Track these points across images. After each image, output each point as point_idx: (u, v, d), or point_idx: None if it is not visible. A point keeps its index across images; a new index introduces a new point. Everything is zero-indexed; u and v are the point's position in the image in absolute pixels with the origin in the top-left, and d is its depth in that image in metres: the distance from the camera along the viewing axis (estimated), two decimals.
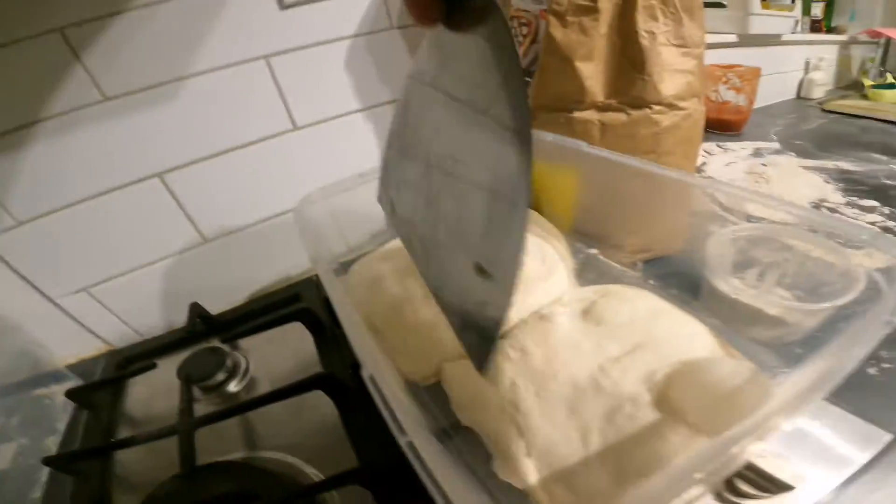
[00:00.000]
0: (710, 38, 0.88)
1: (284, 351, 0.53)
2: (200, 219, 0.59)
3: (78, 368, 0.58)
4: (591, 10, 0.48)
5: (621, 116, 0.50)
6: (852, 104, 1.06)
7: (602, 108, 0.51)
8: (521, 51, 0.57)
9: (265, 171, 0.60)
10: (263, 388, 0.50)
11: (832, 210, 0.65)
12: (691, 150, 0.54)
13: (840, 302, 0.35)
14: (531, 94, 0.54)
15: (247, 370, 0.52)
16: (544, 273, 0.44)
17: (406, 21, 0.62)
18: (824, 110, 1.08)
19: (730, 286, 0.41)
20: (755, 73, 0.89)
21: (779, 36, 1.01)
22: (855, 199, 0.67)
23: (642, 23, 0.47)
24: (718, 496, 0.30)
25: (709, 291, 0.43)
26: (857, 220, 0.62)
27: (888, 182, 0.71)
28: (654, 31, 0.48)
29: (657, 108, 0.49)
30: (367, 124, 0.63)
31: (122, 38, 0.48)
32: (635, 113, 0.49)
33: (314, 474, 0.40)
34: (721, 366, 0.32)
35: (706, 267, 0.42)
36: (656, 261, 0.51)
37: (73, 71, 0.47)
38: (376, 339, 0.33)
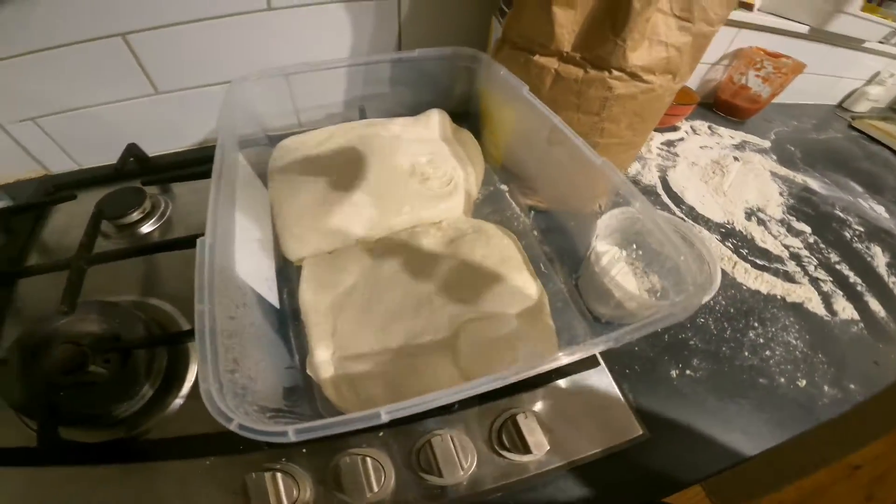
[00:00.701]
0: (778, 23, 0.82)
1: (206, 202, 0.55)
2: (156, 74, 0.57)
3: (13, 189, 0.59)
4: None
5: (578, 72, 0.48)
6: (881, 127, 0.99)
7: (564, 59, 0.49)
8: None
9: (231, 46, 0.58)
10: (179, 233, 0.52)
11: (761, 221, 0.65)
12: (641, 125, 0.53)
13: (665, 303, 0.38)
14: (503, 26, 0.52)
15: (164, 212, 0.54)
16: (445, 193, 0.47)
17: None
18: (851, 126, 1.02)
19: (597, 260, 0.43)
20: (795, 69, 0.82)
21: (861, 41, 0.92)
22: (792, 218, 0.67)
23: None
24: (487, 441, 0.34)
25: (584, 261, 0.45)
26: (776, 238, 0.63)
27: (837, 213, 0.71)
28: None
29: (617, 73, 0.47)
30: (346, 15, 0.60)
31: None
32: (593, 72, 0.47)
33: (185, 324, 0.43)
34: (505, 324, 0.35)
35: (593, 237, 0.44)
36: (549, 214, 0.52)
37: None
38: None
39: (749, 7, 0.81)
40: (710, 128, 0.86)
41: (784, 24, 0.84)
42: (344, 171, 0.47)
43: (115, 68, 0.55)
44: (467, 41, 0.59)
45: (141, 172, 0.58)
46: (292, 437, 0.23)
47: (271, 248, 0.44)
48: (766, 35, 0.85)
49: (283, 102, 0.59)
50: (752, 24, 0.82)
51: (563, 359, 0.27)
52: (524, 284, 0.40)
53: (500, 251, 0.42)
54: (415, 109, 0.61)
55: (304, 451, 0.34)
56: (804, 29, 0.85)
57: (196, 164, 0.59)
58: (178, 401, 0.39)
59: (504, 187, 0.53)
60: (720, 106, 0.92)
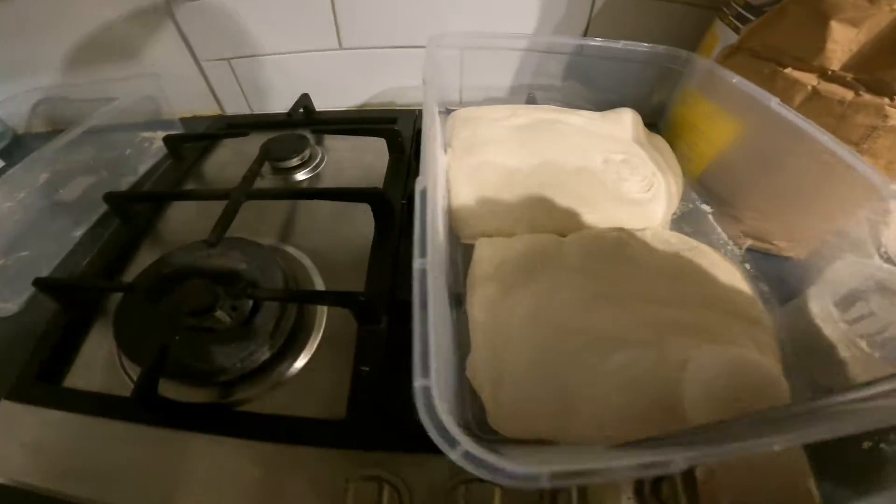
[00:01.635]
0: None
1: (360, 162, 0.53)
2: (345, 27, 0.58)
3: (189, 123, 0.63)
4: None
5: (846, 93, 0.40)
6: None
7: (828, 78, 0.41)
8: None
9: (422, 4, 0.56)
10: (326, 184, 0.50)
11: None
12: None
13: None
14: (745, 31, 0.45)
15: (319, 164, 0.53)
16: (644, 199, 0.40)
17: None
18: None
19: (821, 310, 0.35)
20: None
21: None
22: None
23: None
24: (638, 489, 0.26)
25: (797, 307, 0.37)
26: None
27: None
28: None
29: None
30: None
31: None
32: (867, 96, 0.39)
33: (318, 283, 0.39)
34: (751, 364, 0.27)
35: (814, 284, 0.36)
36: (762, 253, 0.43)
37: None
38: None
39: None
40: None
41: None
42: (531, 151, 0.42)
43: (312, 17, 0.57)
44: (667, 42, 0.52)
45: (308, 122, 0.58)
46: (545, 483, 0.15)
47: (444, 221, 0.40)
48: None
49: (453, 74, 0.56)
50: None
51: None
52: (755, 324, 0.31)
53: (728, 278, 0.33)
54: (593, 107, 0.54)
55: (416, 458, 0.27)
56: None
57: (358, 124, 0.57)
58: (291, 371, 0.33)
59: (706, 207, 0.45)
60: None
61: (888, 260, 0.35)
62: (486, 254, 0.35)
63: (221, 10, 0.55)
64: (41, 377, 0.33)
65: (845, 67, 0.40)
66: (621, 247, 0.35)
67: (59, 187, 0.49)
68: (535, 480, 0.15)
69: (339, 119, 0.59)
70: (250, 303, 0.35)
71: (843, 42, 0.40)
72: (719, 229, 0.43)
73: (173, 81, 0.60)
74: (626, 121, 0.48)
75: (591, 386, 0.27)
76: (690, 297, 0.32)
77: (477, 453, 0.16)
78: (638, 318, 0.30)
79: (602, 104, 0.54)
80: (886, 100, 0.38)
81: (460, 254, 0.39)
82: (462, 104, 0.58)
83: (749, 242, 0.43)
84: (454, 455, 0.16)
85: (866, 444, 0.26)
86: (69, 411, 0.31)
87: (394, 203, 0.42)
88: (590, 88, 0.55)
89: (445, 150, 0.44)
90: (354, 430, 0.29)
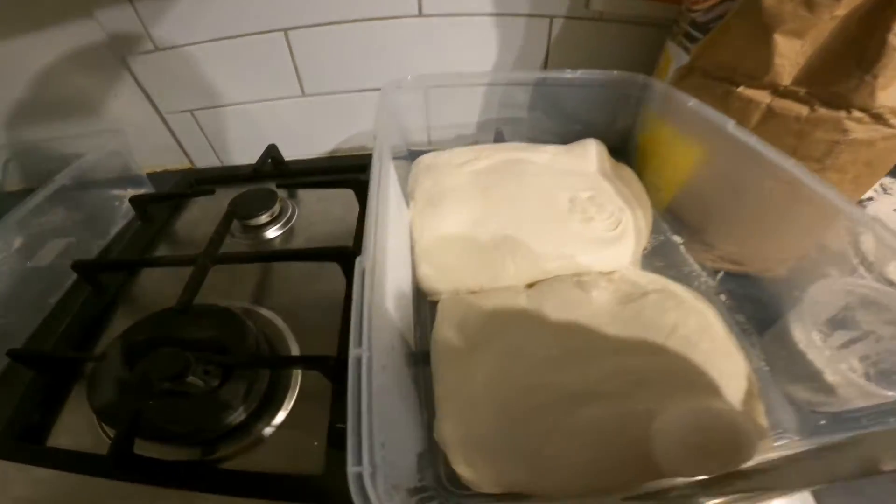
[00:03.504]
0: None
1: (330, 215, 0.53)
2: (306, 73, 0.58)
3: (158, 178, 0.63)
4: None
5: (802, 109, 0.39)
6: None
7: (781, 94, 0.40)
8: (709, 3, 0.46)
9: (379, 49, 0.57)
10: (299, 242, 0.50)
11: None
12: (867, 178, 0.42)
13: None
14: (695, 51, 0.45)
15: (290, 219, 0.52)
16: (612, 238, 0.39)
17: None
18: None
19: (805, 337, 0.34)
20: None
21: None
22: None
23: None
24: None
25: (778, 333, 0.36)
26: None
27: None
28: None
29: (857, 114, 0.37)
30: (494, 30, 0.56)
31: None
32: (823, 111, 0.38)
33: (293, 343, 0.39)
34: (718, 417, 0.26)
35: (794, 308, 0.35)
36: (739, 276, 0.42)
37: None
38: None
39: None
40: None
41: None
42: (493, 199, 0.41)
43: (272, 64, 0.57)
44: (624, 67, 0.52)
45: (276, 175, 0.58)
46: None
47: (411, 276, 0.39)
48: None
49: (418, 115, 0.56)
50: None
51: None
52: (730, 363, 0.30)
53: (697, 319, 0.32)
54: (559, 139, 0.54)
55: None
56: None
57: (328, 173, 0.57)
58: (268, 430, 0.34)
59: (677, 238, 0.44)
60: None
61: (870, 269, 0.33)
62: (449, 313, 0.34)
63: (178, 61, 0.55)
64: (23, 437, 0.35)
65: (797, 82, 0.40)
66: (586, 295, 0.34)
67: (32, 252, 0.48)
68: None
69: (307, 170, 0.59)
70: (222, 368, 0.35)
71: (789, 55, 0.39)
72: (691, 260, 0.42)
73: (139, 135, 0.60)
74: (590, 153, 0.47)
75: (561, 441, 0.27)
76: (659, 345, 0.31)
77: None
78: (605, 369, 0.29)
79: (568, 134, 0.54)
80: (843, 113, 0.37)
81: (427, 310, 0.38)
82: (430, 144, 0.58)
83: (723, 269, 0.42)
84: None
85: None
86: (54, 469, 0.32)
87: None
88: (554, 118, 0.55)
89: (408, 203, 0.44)
90: (332, 485, 0.30)
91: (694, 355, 0.30)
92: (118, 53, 0.54)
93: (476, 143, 0.55)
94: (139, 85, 0.58)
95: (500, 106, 0.57)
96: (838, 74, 0.38)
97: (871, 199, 0.66)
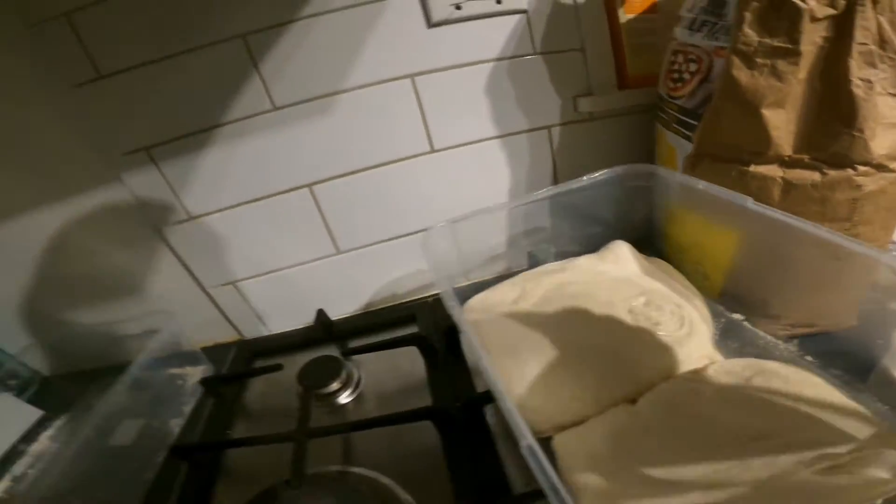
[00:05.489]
0: None
1: (395, 370, 0.55)
2: (337, 231, 0.62)
3: (211, 352, 0.64)
4: (790, 53, 0.41)
5: (813, 175, 0.42)
6: None
7: (789, 164, 0.43)
8: (688, 89, 0.51)
9: (400, 191, 0.61)
10: (371, 402, 0.52)
11: None
12: (892, 220, 0.44)
13: None
14: (696, 138, 0.48)
15: (358, 383, 0.54)
16: (685, 335, 0.41)
17: (548, 47, 0.59)
18: None
19: None
20: None
21: None
22: None
23: (857, 70, 0.40)
24: None
25: (882, 374, 0.37)
26: None
27: None
28: (871, 80, 0.40)
29: (862, 168, 0.40)
30: (501, 152, 0.62)
31: (290, 47, 0.51)
32: (833, 173, 0.41)
33: (408, 500, 0.40)
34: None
35: (885, 347, 0.37)
36: (815, 335, 0.43)
37: (251, 78, 0.52)
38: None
39: None
40: None
41: None
42: (563, 333, 0.42)
43: (304, 223, 0.61)
44: (626, 157, 0.57)
45: (330, 338, 0.60)
46: None
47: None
48: None
49: (450, 253, 0.58)
50: None
51: None
52: (855, 422, 0.31)
53: (811, 389, 0.33)
54: (585, 242, 0.58)
55: None
56: None
57: (378, 329, 0.60)
58: None
59: (738, 316, 0.46)
60: None
61: None
62: (569, 449, 0.35)
63: (214, 230, 0.58)
64: None
65: (798, 150, 0.42)
66: (693, 395, 0.35)
67: (111, 432, 0.49)
68: None
69: (360, 328, 0.61)
70: None
71: (782, 127, 0.42)
72: (761, 333, 0.44)
73: (185, 311, 0.62)
74: (623, 256, 0.50)
75: None
76: (784, 424, 0.31)
77: None
78: (735, 461, 0.29)
79: (592, 237, 0.57)
80: (850, 171, 0.40)
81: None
82: (465, 275, 0.60)
83: (797, 334, 0.43)
84: None
85: None
86: None
87: (451, 412, 0.43)
88: (575, 222, 0.58)
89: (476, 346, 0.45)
90: None
91: (821, 422, 0.30)
92: (152, 223, 0.57)
93: (509, 268, 0.59)
94: (178, 258, 0.60)
95: (522, 222, 0.60)
96: (830, 136, 0.41)
97: None
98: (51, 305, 0.62)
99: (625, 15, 0.64)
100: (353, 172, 0.59)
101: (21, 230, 0.55)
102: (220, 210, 0.57)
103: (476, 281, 0.58)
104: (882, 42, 0.40)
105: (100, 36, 0.48)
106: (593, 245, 0.56)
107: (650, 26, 0.62)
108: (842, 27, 0.40)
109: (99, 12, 0.47)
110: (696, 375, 0.37)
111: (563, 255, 0.57)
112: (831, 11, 0.40)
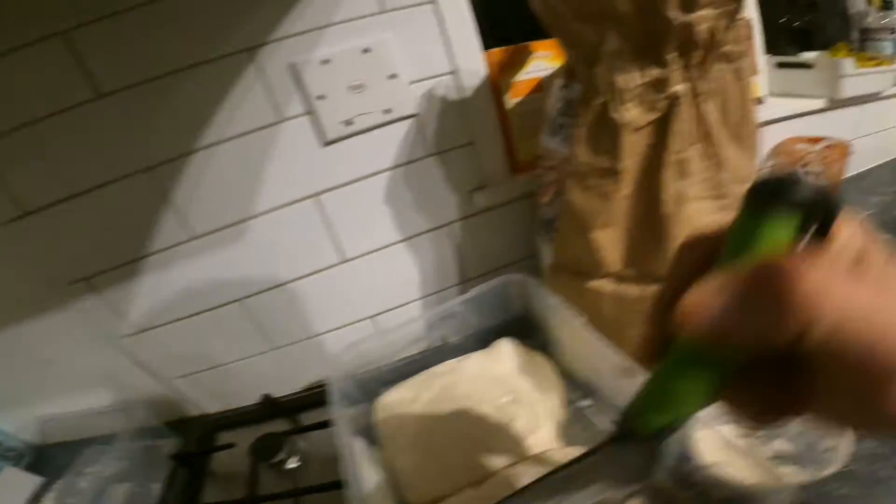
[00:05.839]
0: (795, 105, 0.81)
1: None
2: (271, 334, 0.70)
3: (181, 426, 0.73)
4: (611, 173, 0.45)
5: (639, 289, 0.47)
6: None
7: (619, 279, 0.48)
8: (546, 199, 0.56)
9: (323, 296, 0.69)
10: (315, 467, 0.61)
11: None
12: None
13: None
14: (552, 251, 0.54)
15: (302, 451, 0.63)
16: (533, 428, 0.48)
17: (441, 147, 0.65)
18: None
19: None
20: (842, 152, 0.75)
21: (876, 93, 0.86)
22: None
23: (671, 183, 0.43)
24: None
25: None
26: None
27: None
28: (684, 191, 0.44)
29: None
30: (408, 254, 0.69)
31: (197, 176, 0.58)
32: (649, 289, 0.47)
33: None
34: None
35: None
36: None
37: (164, 210, 0.59)
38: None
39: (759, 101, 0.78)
40: None
41: (801, 106, 0.81)
42: (445, 424, 0.51)
43: (242, 330, 0.69)
44: (524, 242, 0.64)
45: (274, 413, 0.68)
46: None
47: None
48: (790, 123, 0.81)
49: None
50: (773, 119, 0.79)
51: None
52: None
53: None
54: (484, 334, 0.60)
55: None
56: (821, 103, 0.81)
57: (314, 405, 0.67)
58: None
59: (586, 402, 0.53)
60: None
61: None
62: None
63: (161, 342, 0.67)
64: None
65: (627, 265, 0.48)
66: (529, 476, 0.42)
67: (100, 494, 0.60)
68: None
69: (298, 406, 0.69)
70: None
71: (609, 246, 0.47)
72: (595, 422, 0.50)
73: (152, 395, 0.72)
74: (506, 354, 0.57)
75: None
76: None
77: None
78: None
79: (491, 329, 0.59)
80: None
81: None
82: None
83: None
84: None
85: None
86: None
87: None
88: (476, 318, 0.60)
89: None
90: None
91: None
92: (103, 338, 0.65)
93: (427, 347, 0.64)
94: (137, 363, 0.68)
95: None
96: (648, 251, 0.46)
97: None
98: (30, 400, 0.72)
99: (511, 100, 0.68)
100: (277, 286, 0.66)
101: None
102: (161, 325, 0.65)
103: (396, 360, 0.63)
104: (705, 135, 0.42)
105: (18, 172, 0.53)
106: (489, 335, 0.60)
107: (537, 106, 0.64)
108: (662, 131, 0.43)
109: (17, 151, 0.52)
110: (538, 459, 0.45)
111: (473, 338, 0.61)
112: (653, 116, 0.43)
